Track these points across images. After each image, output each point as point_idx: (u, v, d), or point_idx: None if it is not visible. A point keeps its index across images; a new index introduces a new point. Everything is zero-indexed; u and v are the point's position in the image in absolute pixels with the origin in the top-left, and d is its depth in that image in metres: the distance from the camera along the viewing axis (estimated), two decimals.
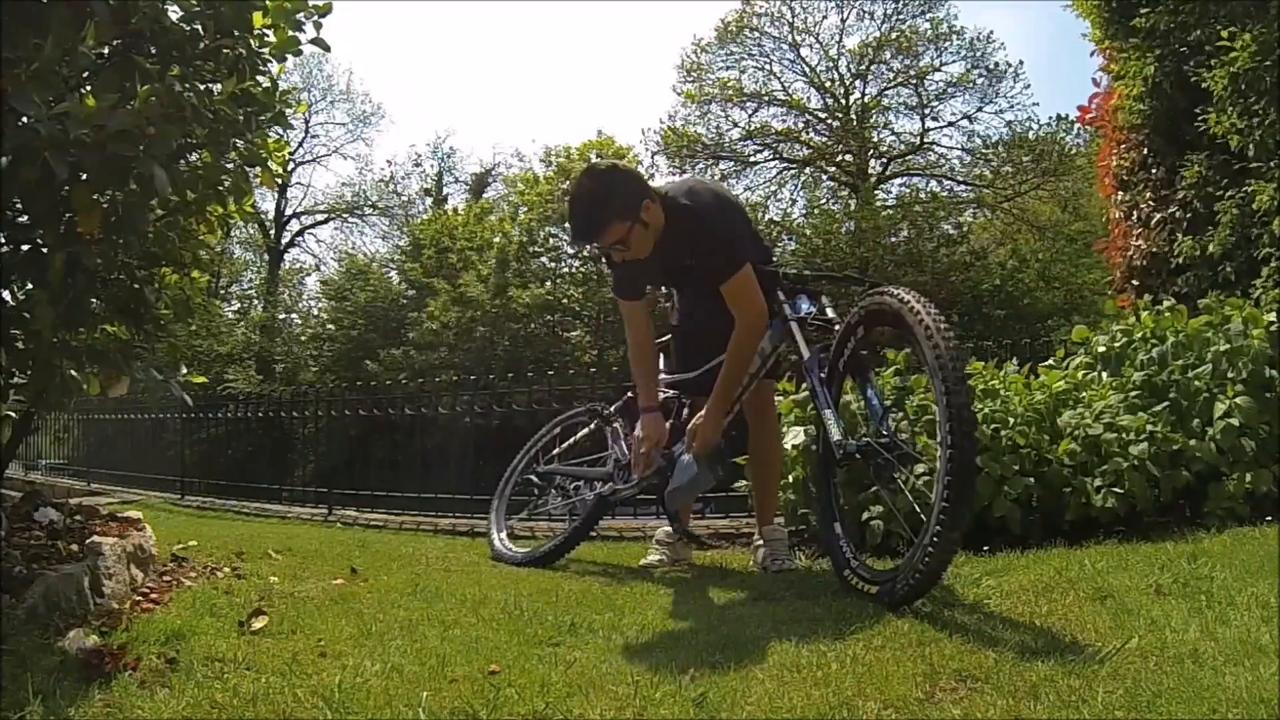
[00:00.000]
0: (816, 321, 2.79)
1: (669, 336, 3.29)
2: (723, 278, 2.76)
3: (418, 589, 2.64)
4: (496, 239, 20.40)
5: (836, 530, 2.54)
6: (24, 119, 1.80)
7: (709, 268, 2.79)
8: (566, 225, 3.31)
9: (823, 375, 2.61)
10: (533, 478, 3.68)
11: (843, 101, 21.74)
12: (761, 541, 3.11)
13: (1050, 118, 23.25)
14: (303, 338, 22.73)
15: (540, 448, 3.81)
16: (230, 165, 2.36)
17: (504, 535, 3.65)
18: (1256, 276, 4.11)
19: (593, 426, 3.63)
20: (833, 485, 2.64)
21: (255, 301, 26.54)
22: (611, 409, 3.56)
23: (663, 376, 3.22)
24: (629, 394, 3.37)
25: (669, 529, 3.32)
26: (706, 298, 2.88)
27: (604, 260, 3.24)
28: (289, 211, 26.65)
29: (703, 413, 2.85)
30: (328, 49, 2.40)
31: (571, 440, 3.69)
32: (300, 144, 25.25)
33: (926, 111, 21.19)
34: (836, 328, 2.67)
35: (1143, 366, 3.26)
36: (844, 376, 2.62)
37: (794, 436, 3.34)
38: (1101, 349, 3.50)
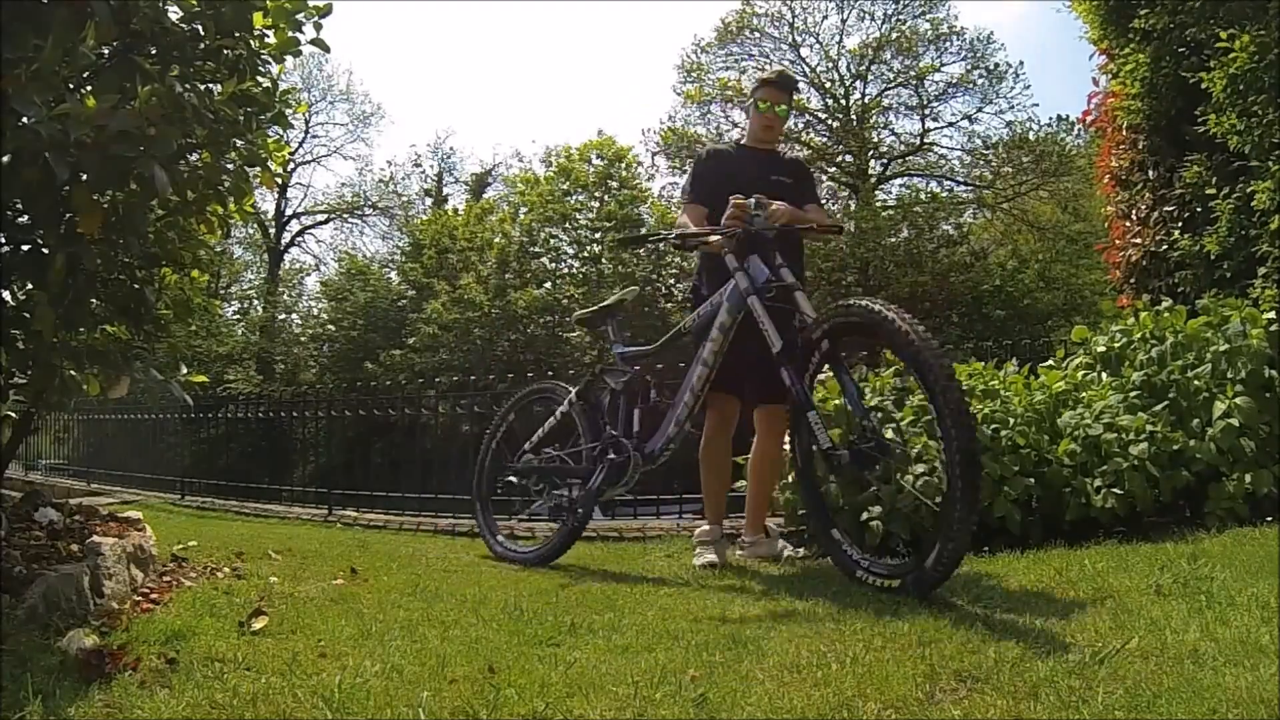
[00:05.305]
0: (774, 287, 2.66)
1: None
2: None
3: (418, 589, 2.65)
4: (497, 239, 20.40)
5: (835, 536, 2.57)
6: (24, 119, 1.80)
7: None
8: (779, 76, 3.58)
9: (798, 368, 2.55)
10: (512, 479, 3.47)
11: (843, 102, 21.71)
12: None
13: (1050, 118, 23.32)
14: (303, 338, 22.76)
15: (501, 438, 3.65)
16: (230, 165, 2.36)
17: (501, 537, 3.60)
18: (1254, 275, 4.12)
19: (565, 408, 3.37)
20: (819, 491, 2.70)
21: (255, 301, 26.53)
22: (582, 385, 3.34)
23: (624, 350, 3.26)
24: (626, 369, 3.22)
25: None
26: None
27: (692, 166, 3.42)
28: (289, 211, 26.65)
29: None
30: (327, 49, 2.40)
31: (546, 427, 3.45)
32: (300, 144, 25.24)
33: (926, 112, 21.17)
34: (797, 295, 2.63)
35: (1142, 367, 3.26)
36: (819, 368, 2.61)
37: None
38: (1101, 349, 3.51)
